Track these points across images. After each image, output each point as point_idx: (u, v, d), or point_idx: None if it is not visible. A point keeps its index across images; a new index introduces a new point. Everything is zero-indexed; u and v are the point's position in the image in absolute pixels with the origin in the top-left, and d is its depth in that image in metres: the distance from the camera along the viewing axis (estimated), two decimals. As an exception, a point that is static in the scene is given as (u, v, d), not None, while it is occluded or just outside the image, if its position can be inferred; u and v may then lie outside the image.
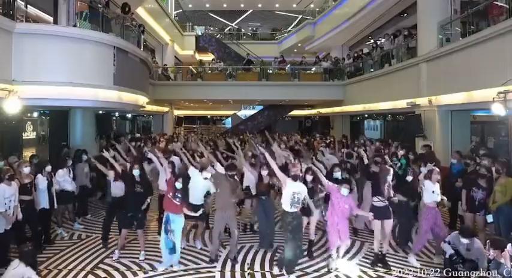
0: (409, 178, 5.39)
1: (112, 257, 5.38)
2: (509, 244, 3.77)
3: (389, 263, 5.18)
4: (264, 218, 5.70)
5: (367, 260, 5.33)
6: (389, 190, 5.13)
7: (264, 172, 5.67)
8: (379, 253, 5.17)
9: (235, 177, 5.36)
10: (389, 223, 5.11)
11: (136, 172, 5.35)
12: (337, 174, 5.59)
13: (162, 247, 5.00)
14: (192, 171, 5.46)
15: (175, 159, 7.52)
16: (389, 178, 5.13)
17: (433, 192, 5.07)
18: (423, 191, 5.23)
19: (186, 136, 15.74)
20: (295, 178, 4.76)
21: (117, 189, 5.63)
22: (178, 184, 4.90)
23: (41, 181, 5.59)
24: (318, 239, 6.12)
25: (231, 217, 5.19)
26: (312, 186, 5.26)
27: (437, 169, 5.28)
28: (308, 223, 5.40)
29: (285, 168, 5.92)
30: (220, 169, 5.55)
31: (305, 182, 5.09)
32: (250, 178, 6.06)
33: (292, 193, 4.66)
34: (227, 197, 5.12)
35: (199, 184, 5.36)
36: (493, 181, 5.37)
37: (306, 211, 5.25)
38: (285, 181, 4.76)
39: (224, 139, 13.60)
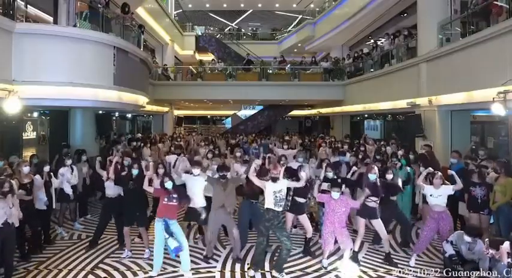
0: (389, 176, 5.37)
1: (122, 255, 5.40)
2: (506, 242, 3.79)
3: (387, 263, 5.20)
4: (245, 220, 5.72)
5: (367, 260, 5.34)
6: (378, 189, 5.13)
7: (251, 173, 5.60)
8: (357, 251, 5.27)
9: (227, 177, 5.33)
10: (377, 223, 5.11)
11: (135, 171, 5.39)
12: (329, 174, 5.62)
13: (156, 252, 4.85)
14: (187, 177, 5.46)
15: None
16: (373, 176, 5.12)
17: (430, 195, 5.03)
18: (425, 195, 5.17)
19: (185, 137, 15.73)
20: (274, 180, 4.77)
21: (109, 189, 5.61)
22: (168, 184, 4.82)
23: (39, 181, 5.58)
24: (317, 239, 6.14)
25: (226, 217, 5.21)
26: (306, 185, 5.32)
27: (440, 174, 5.17)
28: (298, 220, 5.50)
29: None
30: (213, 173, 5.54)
31: (298, 179, 5.16)
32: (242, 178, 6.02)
33: (273, 192, 4.72)
34: (220, 198, 5.16)
35: (197, 187, 5.38)
36: (483, 174, 5.46)
37: (294, 209, 5.38)
38: (264, 185, 4.82)
39: (225, 140, 13.63)
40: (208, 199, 5.49)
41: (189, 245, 5.77)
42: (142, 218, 5.50)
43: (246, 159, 6.83)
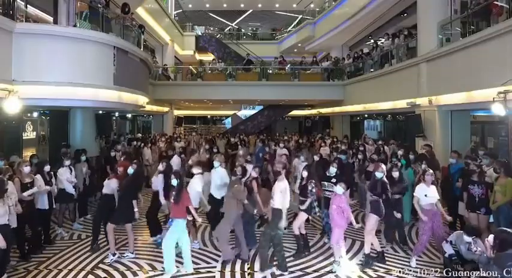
0: (395, 174, 5.38)
1: (107, 259, 5.28)
2: (491, 235, 3.86)
3: (389, 263, 5.20)
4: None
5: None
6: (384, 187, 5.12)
7: (254, 173, 5.61)
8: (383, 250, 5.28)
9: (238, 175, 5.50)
10: (372, 218, 5.10)
11: (130, 170, 5.43)
12: (332, 170, 5.70)
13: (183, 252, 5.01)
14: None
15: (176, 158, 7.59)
16: (380, 175, 5.14)
17: (425, 195, 5.02)
18: (416, 195, 5.18)
19: (185, 137, 15.73)
20: (277, 174, 4.99)
21: (106, 187, 5.59)
22: (173, 181, 4.91)
23: (40, 181, 5.57)
24: (317, 240, 6.15)
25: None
26: (305, 183, 5.35)
27: (431, 171, 5.22)
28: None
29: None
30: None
31: (301, 178, 5.35)
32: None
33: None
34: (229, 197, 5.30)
35: (193, 187, 5.54)
36: (483, 174, 5.47)
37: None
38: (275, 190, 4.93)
39: (227, 139, 13.65)
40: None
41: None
42: (116, 216, 5.27)
43: (248, 160, 6.91)
